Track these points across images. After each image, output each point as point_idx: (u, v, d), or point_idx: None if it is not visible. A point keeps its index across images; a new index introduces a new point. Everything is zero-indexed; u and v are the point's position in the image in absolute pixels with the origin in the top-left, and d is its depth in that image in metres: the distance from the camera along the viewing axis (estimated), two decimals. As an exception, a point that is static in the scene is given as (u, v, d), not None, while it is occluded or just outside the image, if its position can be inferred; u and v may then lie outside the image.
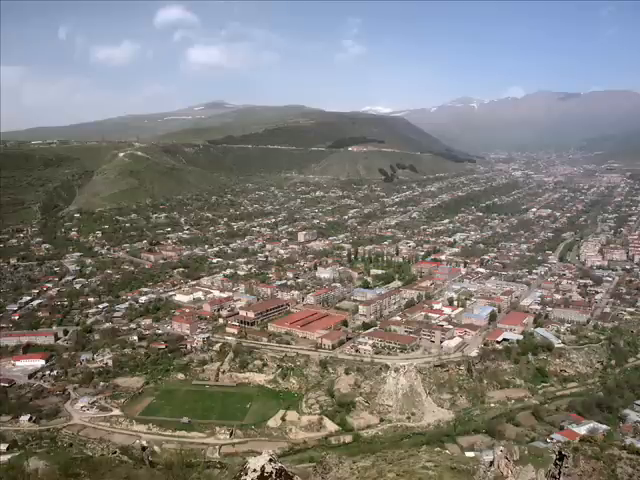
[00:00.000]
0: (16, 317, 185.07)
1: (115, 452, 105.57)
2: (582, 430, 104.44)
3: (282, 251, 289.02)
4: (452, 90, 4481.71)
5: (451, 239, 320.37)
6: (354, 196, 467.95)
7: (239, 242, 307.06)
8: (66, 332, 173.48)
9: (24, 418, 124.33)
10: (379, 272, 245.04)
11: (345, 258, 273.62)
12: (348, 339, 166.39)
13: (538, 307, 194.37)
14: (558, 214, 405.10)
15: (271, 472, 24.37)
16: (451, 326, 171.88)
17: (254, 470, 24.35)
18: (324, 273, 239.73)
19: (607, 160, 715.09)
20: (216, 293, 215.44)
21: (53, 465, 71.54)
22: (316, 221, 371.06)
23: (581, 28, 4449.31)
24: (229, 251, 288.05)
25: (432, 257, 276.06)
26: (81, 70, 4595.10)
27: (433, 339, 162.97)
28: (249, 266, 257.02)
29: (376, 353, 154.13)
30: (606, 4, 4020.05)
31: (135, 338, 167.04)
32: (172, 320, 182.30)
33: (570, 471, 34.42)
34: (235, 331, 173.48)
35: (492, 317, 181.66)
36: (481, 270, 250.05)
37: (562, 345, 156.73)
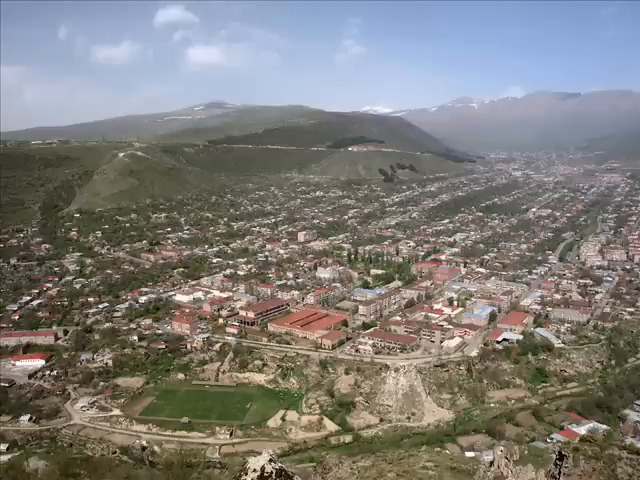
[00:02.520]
0: (16, 317, 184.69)
1: (115, 452, 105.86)
2: (582, 430, 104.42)
3: (282, 251, 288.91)
4: (452, 90, 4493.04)
5: (451, 239, 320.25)
6: (354, 196, 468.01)
7: (239, 242, 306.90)
8: (66, 332, 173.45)
9: (24, 418, 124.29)
10: (379, 272, 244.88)
11: (345, 258, 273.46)
12: (348, 339, 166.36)
13: (538, 307, 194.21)
14: (558, 214, 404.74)
15: (271, 472, 24.32)
16: (451, 326, 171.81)
17: (254, 470, 24.30)
18: (324, 273, 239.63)
19: (607, 160, 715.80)
20: (216, 293, 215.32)
21: (53, 465, 71.52)
22: (316, 221, 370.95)
23: (581, 28, 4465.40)
24: (229, 251, 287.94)
25: (432, 257, 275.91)
26: (81, 70, 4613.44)
27: (433, 339, 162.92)
28: (249, 266, 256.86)
29: (376, 353, 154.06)
30: (606, 4, 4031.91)
31: (135, 338, 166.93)
32: (172, 320, 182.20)
33: (570, 471, 34.40)
34: (235, 331, 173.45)
35: (492, 317, 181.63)
36: (481, 270, 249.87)
37: (562, 345, 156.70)
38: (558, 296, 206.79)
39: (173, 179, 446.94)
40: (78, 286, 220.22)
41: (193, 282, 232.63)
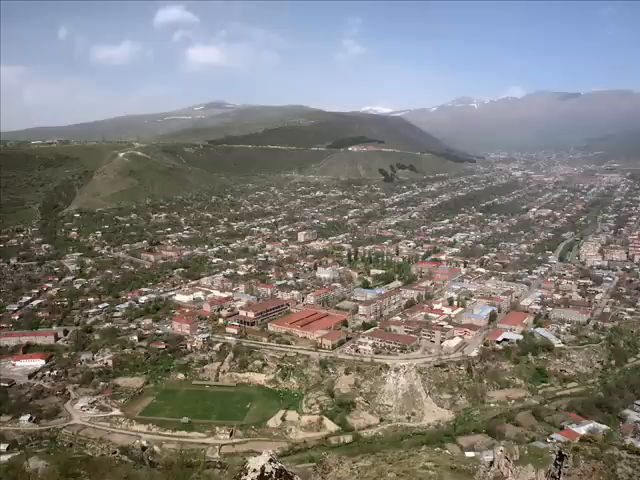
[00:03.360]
0: (16, 317, 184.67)
1: (115, 452, 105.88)
2: (582, 430, 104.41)
3: (282, 251, 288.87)
4: (452, 90, 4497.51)
5: (451, 239, 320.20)
6: (354, 196, 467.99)
7: (239, 242, 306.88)
8: (66, 332, 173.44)
9: (24, 418, 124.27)
10: (379, 272, 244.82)
11: (345, 258, 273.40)
12: (348, 339, 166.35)
13: (538, 307, 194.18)
14: (558, 214, 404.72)
15: (271, 472, 24.30)
16: (451, 326, 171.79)
17: (254, 470, 24.28)
18: (324, 273, 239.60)
19: (607, 160, 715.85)
20: (216, 293, 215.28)
21: (53, 465, 71.51)
22: (316, 221, 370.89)
23: (581, 28, 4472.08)
24: (229, 251, 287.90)
25: (432, 257, 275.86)
26: (81, 70, 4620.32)
27: (433, 339, 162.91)
28: (249, 266, 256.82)
29: (376, 353, 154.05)
30: (606, 4, 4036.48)
31: (135, 338, 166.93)
32: (172, 320, 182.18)
33: (570, 471, 34.39)
34: (235, 331, 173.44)
35: (492, 317, 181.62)
36: (481, 270, 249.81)
37: (562, 345, 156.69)
38: (558, 296, 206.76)
39: (173, 179, 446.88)
40: (78, 286, 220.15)
41: (193, 282, 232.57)
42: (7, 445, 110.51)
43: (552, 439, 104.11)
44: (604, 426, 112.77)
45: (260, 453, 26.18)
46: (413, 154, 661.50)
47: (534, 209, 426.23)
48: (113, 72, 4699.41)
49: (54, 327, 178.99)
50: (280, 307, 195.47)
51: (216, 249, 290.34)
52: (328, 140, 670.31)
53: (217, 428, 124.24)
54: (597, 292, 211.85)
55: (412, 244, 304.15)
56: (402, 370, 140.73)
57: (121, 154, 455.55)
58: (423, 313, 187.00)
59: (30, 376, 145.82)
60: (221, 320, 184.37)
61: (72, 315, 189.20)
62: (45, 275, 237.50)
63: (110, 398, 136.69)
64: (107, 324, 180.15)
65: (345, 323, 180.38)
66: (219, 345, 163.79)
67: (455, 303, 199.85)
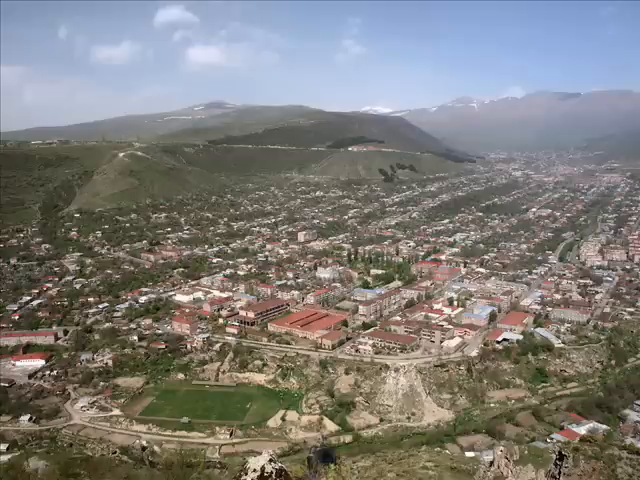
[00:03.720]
0: (16, 317, 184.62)
1: (115, 452, 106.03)
2: (582, 430, 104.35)
3: (282, 251, 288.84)
4: (452, 90, 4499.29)
5: (451, 239, 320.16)
6: (354, 196, 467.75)
7: (239, 242, 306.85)
8: (66, 332, 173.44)
9: (24, 418, 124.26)
10: (379, 272, 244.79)
11: (345, 258, 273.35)
12: (348, 339, 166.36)
13: (538, 307, 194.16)
14: (558, 214, 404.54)
15: (271, 472, 24.22)
16: (451, 326, 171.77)
17: (254, 470, 24.20)
18: (324, 273, 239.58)
19: (607, 160, 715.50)
20: (216, 293, 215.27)
21: (53, 465, 71.50)
22: (316, 221, 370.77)
23: (581, 28, 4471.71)
24: (229, 251, 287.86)
25: (432, 257, 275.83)
26: (81, 70, 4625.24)
27: (433, 339, 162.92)
28: (249, 266, 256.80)
29: (376, 353, 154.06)
30: (606, 4, 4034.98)
31: (135, 338, 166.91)
32: (172, 320, 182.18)
33: (570, 471, 34.33)
34: (235, 331, 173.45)
35: (492, 317, 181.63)
36: (481, 270, 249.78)
37: (562, 345, 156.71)
38: (558, 296, 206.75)
39: (173, 179, 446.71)
40: (78, 286, 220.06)
41: (193, 282, 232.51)
42: (7, 445, 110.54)
43: (552, 439, 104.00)
44: (604, 426, 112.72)
45: (260, 453, 26.12)
46: (413, 154, 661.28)
47: (534, 209, 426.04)
48: (113, 72, 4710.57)
49: (54, 327, 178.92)
50: (280, 307, 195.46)
51: (216, 249, 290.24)
52: (328, 140, 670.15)
53: (217, 428, 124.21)
54: (597, 292, 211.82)
55: (412, 244, 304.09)
56: (402, 370, 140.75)
57: (121, 154, 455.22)
58: (423, 313, 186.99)
59: (30, 376, 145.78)
60: (221, 320, 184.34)
61: (72, 315, 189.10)
62: (45, 275, 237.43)
63: (110, 398, 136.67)
64: (107, 324, 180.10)
65: (345, 323, 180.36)
66: (219, 345, 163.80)
67: (455, 303, 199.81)
